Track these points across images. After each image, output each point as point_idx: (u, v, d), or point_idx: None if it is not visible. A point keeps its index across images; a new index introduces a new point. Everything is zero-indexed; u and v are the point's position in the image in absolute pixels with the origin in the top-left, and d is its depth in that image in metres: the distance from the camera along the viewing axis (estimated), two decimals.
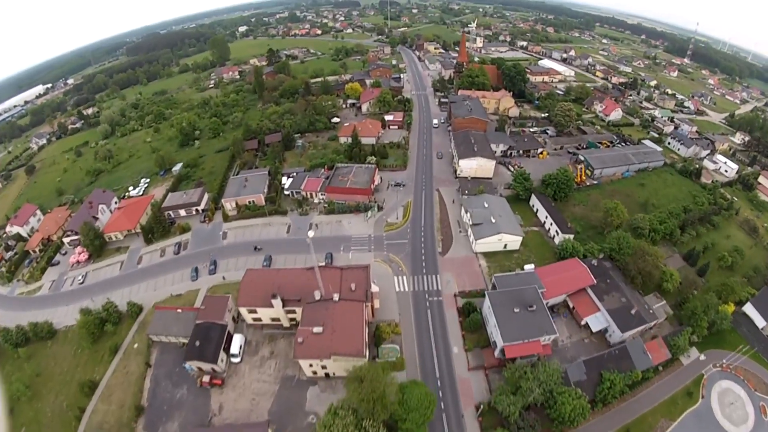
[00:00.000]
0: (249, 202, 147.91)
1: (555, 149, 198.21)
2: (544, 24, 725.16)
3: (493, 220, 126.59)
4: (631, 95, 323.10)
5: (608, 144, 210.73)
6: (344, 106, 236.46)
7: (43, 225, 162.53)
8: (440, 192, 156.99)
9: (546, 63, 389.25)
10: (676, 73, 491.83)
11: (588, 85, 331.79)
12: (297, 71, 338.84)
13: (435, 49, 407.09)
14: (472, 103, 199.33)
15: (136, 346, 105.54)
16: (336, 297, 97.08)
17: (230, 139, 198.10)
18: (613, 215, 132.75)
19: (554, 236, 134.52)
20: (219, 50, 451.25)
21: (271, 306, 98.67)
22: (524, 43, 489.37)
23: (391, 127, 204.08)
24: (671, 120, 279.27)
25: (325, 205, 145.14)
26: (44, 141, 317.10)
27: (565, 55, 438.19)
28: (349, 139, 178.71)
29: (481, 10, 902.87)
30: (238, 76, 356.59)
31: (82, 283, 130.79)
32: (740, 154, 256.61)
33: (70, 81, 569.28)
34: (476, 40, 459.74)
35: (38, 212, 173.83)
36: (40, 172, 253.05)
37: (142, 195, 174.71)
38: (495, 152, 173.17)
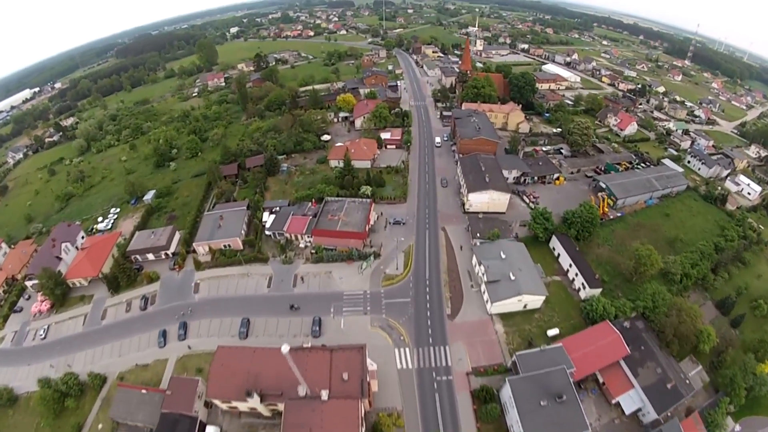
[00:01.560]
0: (224, 246, 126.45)
1: (571, 173, 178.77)
2: (542, 25, 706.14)
3: (513, 277, 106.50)
4: (641, 104, 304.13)
5: (627, 165, 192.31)
6: (335, 120, 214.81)
7: (6, 262, 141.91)
8: (446, 231, 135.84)
9: (550, 68, 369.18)
10: (680, 77, 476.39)
11: (595, 92, 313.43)
12: (286, 78, 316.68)
13: (433, 52, 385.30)
14: (479, 120, 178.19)
15: (100, 426, 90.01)
16: (324, 395, 76.44)
17: (209, 161, 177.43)
18: (646, 264, 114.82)
19: (579, 289, 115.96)
20: (206, 54, 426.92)
21: (246, 401, 78.65)
22: (525, 46, 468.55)
23: (388, 146, 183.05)
24: (686, 133, 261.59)
25: (313, 251, 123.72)
26: (20, 155, 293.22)
27: (568, 59, 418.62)
28: (341, 163, 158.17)
29: (477, 10, 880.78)
30: (223, 84, 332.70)
31: (44, 338, 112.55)
32: (758, 170, 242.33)
33: (57, 85, 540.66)
34: (476, 42, 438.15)
35: (3, 245, 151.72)
36: (13, 192, 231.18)
37: (110, 229, 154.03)
38: (507, 179, 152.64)
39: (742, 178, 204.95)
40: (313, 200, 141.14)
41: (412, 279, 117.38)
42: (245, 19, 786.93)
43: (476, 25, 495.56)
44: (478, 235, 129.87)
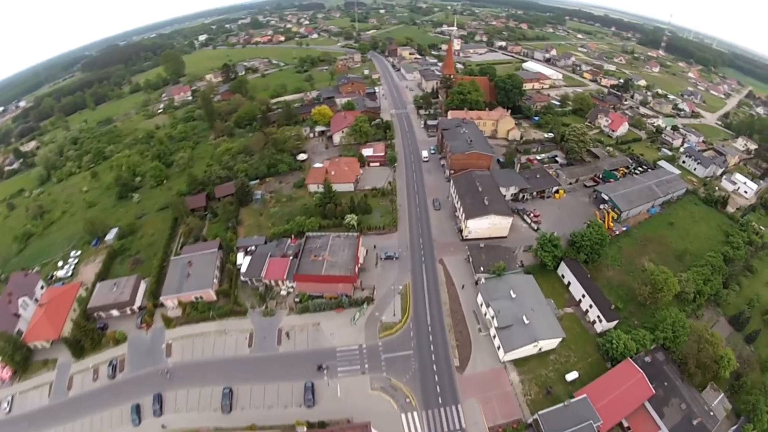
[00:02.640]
0: (196, 299, 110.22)
1: (570, 184, 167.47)
2: (516, 20, 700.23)
3: (526, 321, 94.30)
4: (627, 101, 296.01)
5: (625, 171, 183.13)
6: (311, 135, 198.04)
7: None
8: (445, 264, 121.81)
9: (531, 66, 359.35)
10: (657, 69, 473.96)
11: (580, 90, 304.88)
12: (256, 88, 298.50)
13: (410, 54, 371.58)
14: (468, 130, 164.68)
15: None
16: None
17: (175, 191, 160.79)
18: (663, 290, 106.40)
19: (594, 322, 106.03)
20: (172, 65, 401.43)
21: None
22: (503, 43, 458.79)
23: (371, 164, 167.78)
24: (675, 129, 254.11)
25: (297, 300, 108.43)
26: None
27: (547, 55, 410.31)
28: (321, 187, 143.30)
29: (449, 7, 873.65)
30: (190, 97, 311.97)
31: (8, 412, 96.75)
32: (749, 164, 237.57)
33: (22, 104, 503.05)
34: (453, 42, 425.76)
35: None
36: None
37: (70, 277, 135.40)
38: (504, 196, 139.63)
39: (739, 176, 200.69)
40: (293, 236, 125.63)
41: (413, 326, 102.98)
42: (214, 26, 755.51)
43: (455, 25, 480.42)
44: (482, 269, 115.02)
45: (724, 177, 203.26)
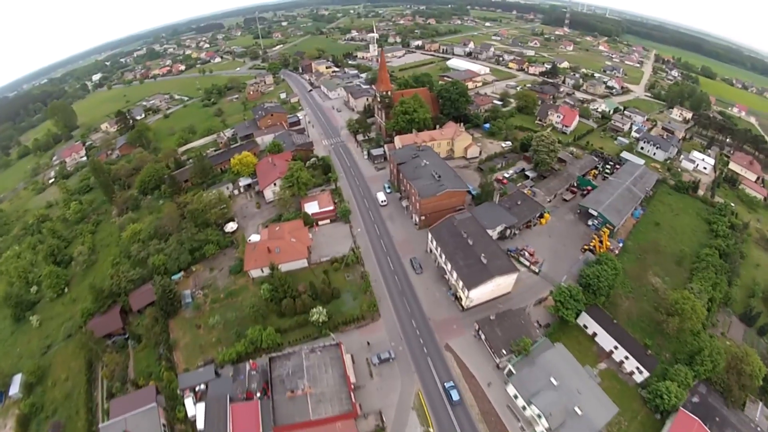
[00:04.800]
0: None
1: (549, 201, 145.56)
2: (422, 16, 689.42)
3: (579, 411, 76.27)
4: (563, 88, 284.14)
5: (595, 173, 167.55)
6: (236, 192, 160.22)
7: None
8: (453, 350, 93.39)
9: (456, 63, 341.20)
10: (571, 47, 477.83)
11: (513, 83, 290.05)
12: (160, 134, 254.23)
13: (327, 68, 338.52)
14: (429, 160, 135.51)
15: None
16: None
17: (80, 302, 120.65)
18: (693, 319, 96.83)
19: (632, 372, 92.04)
20: (62, 118, 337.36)
21: None
22: (419, 43, 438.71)
23: (319, 223, 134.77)
24: (617, 111, 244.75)
25: None
26: None
27: (467, 49, 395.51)
28: (265, 271, 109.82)
29: (352, 11, 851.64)
30: (84, 157, 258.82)
31: None
32: (693, 135, 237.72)
33: None
34: (369, 48, 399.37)
35: None
36: None
37: None
38: (491, 236, 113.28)
39: (696, 154, 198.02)
40: (252, 361, 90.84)
41: None
42: (108, 61, 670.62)
43: (374, 30, 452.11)
44: (503, 351, 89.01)
45: (682, 156, 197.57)
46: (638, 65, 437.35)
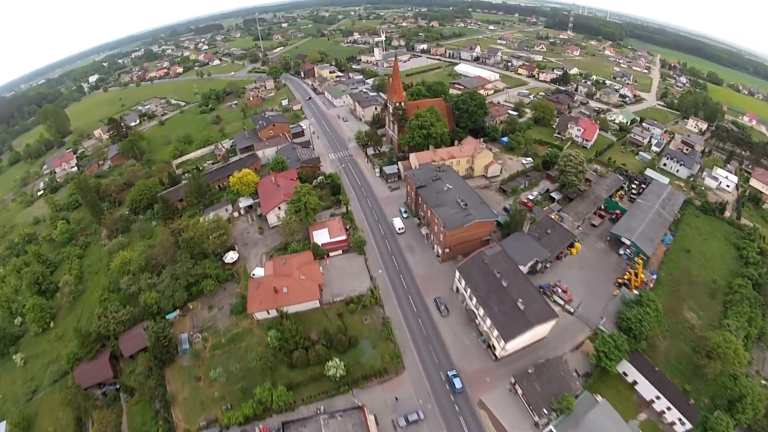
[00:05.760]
0: None
1: (577, 227, 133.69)
2: (425, 18, 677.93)
3: None
4: (576, 97, 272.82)
5: (621, 193, 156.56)
6: (235, 214, 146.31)
7: None
8: (487, 407, 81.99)
9: (465, 69, 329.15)
10: (578, 52, 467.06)
11: (525, 91, 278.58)
12: (155, 143, 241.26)
13: (330, 73, 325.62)
14: (451, 183, 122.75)
15: None
16: None
17: (67, 338, 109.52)
18: (735, 363, 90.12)
19: (674, 423, 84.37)
20: (54, 123, 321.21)
21: None
22: (424, 46, 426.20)
23: (330, 254, 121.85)
24: (634, 123, 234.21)
25: None
26: None
27: (474, 54, 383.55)
28: (271, 313, 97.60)
29: (353, 13, 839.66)
30: (75, 168, 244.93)
31: None
32: (712, 149, 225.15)
33: None
34: (374, 51, 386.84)
35: None
36: None
37: None
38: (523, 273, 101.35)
39: (719, 171, 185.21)
40: (262, 426, 78.55)
41: None
42: (106, 62, 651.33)
43: (382, 33, 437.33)
44: (544, 411, 77.87)
45: (704, 173, 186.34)
46: (646, 71, 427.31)
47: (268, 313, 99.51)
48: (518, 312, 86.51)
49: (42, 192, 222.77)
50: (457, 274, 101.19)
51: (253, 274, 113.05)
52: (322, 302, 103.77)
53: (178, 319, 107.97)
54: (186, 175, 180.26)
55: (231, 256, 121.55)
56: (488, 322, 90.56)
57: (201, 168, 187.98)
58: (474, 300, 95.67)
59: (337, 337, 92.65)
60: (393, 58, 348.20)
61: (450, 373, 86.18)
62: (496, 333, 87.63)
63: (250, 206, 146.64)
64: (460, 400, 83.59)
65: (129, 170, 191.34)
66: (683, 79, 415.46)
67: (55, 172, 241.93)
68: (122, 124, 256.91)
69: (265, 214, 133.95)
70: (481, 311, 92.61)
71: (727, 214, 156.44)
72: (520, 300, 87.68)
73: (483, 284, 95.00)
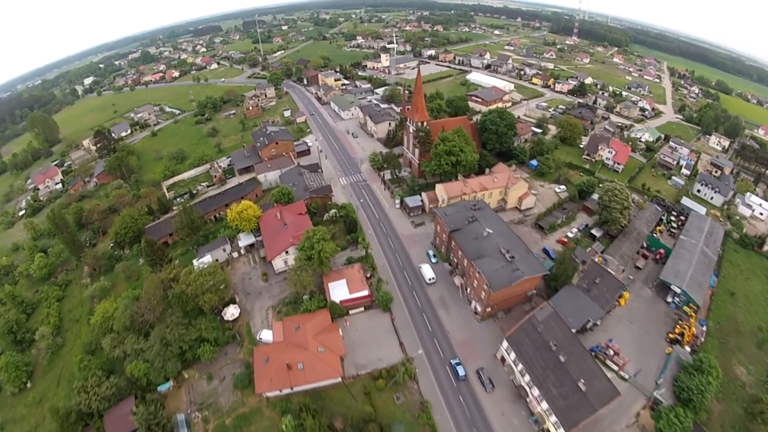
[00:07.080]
0: None
1: (622, 271, 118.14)
2: (428, 22, 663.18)
3: None
4: (598, 111, 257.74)
5: (661, 229, 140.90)
6: (235, 254, 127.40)
7: None
8: None
9: (477, 78, 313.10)
10: (588, 60, 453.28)
11: (544, 104, 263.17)
12: (146, 157, 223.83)
13: (336, 81, 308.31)
14: (491, 226, 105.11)
15: None
16: None
17: (46, 403, 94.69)
18: None
19: None
20: (42, 131, 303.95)
21: None
22: (432, 52, 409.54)
23: (350, 313, 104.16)
24: (659, 141, 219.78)
25: None
26: None
27: (485, 61, 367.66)
28: (282, 392, 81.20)
29: (354, 16, 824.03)
30: (59, 185, 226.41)
31: None
32: (740, 171, 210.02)
33: None
34: (381, 57, 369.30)
35: None
36: None
37: None
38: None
39: (753, 198, 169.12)
40: None
41: None
42: (102, 64, 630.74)
43: (394, 40, 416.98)
44: None
45: (738, 200, 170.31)
46: (657, 80, 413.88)
47: (281, 390, 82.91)
48: (579, 395, 71.44)
49: (23, 212, 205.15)
50: (505, 344, 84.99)
51: (260, 339, 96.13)
52: (344, 377, 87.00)
53: (171, 391, 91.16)
54: (178, 200, 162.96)
55: (232, 312, 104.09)
56: (545, 405, 75.08)
57: (195, 192, 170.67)
58: (527, 377, 79.76)
59: (365, 423, 76.34)
60: (401, 65, 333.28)
61: None
62: (554, 419, 72.14)
63: (252, 245, 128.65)
64: None
65: (114, 193, 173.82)
66: (695, 89, 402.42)
67: (39, 189, 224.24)
68: (110, 136, 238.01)
69: (270, 258, 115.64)
70: (536, 392, 76.86)
71: (766, 248, 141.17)
72: (582, 381, 72.19)
73: (537, 359, 79.10)
